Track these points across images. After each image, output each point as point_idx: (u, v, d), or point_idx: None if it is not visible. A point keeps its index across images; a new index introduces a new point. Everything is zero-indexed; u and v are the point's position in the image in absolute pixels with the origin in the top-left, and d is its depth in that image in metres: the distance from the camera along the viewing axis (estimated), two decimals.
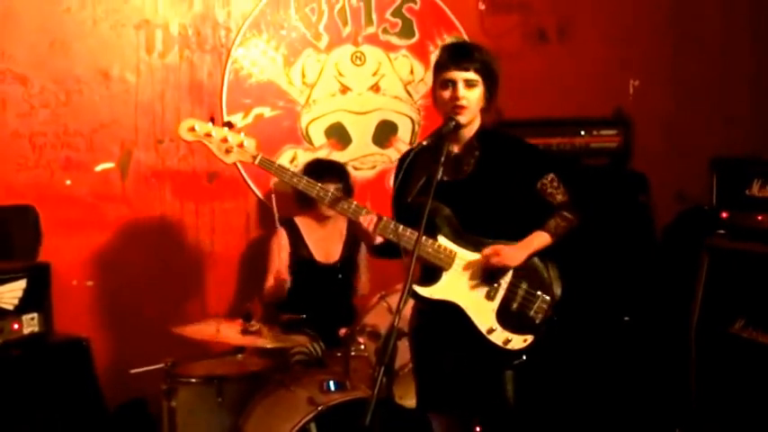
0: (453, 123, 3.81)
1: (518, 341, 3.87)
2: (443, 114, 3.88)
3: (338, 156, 5.94)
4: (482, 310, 3.87)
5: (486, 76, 3.87)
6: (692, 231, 5.73)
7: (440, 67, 3.92)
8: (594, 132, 5.97)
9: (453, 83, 3.83)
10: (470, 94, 3.83)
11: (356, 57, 6.06)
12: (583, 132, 5.95)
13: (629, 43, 6.76)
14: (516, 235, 3.88)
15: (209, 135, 3.87)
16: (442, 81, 3.88)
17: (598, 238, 5.30)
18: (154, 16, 5.58)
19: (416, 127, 6.18)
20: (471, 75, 3.83)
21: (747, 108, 6.94)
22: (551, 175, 3.93)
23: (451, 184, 3.86)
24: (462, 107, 3.82)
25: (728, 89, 6.93)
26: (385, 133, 6.15)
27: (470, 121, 3.90)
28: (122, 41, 5.51)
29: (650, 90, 6.71)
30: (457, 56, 3.92)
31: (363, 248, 5.41)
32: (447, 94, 3.85)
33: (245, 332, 4.49)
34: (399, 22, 6.16)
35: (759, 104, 6.92)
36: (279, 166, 4.08)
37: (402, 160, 4.06)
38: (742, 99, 6.95)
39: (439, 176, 3.66)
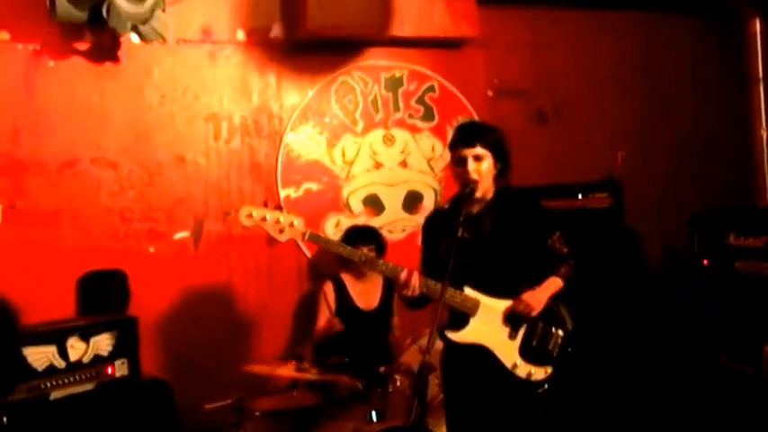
0: (469, 189, 3.90)
1: (540, 373, 3.95)
2: (461, 184, 3.98)
3: (373, 221, 6.03)
4: (506, 348, 3.95)
5: (493, 148, 3.95)
6: (678, 278, 5.80)
7: (452, 147, 4.02)
8: (589, 195, 6.06)
9: (464, 159, 3.92)
10: (480, 167, 3.91)
11: (387, 138, 6.21)
12: (579, 195, 6.05)
13: (615, 120, 6.90)
14: (528, 281, 3.95)
15: (264, 219, 3.96)
16: (454, 158, 3.98)
17: (599, 283, 5.40)
18: (220, 110, 5.76)
19: (438, 196, 6.27)
20: (478, 150, 3.91)
21: (719, 165, 7.05)
22: (558, 233, 4.03)
23: (472, 241, 3.91)
24: (474, 180, 3.90)
25: (702, 152, 7.07)
26: (413, 202, 6.25)
27: (485, 190, 3.98)
28: (195, 131, 5.68)
29: (636, 158, 6.79)
30: (464, 135, 4.01)
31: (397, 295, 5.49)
32: (460, 169, 3.94)
33: (298, 370, 4.59)
34: (422, 108, 6.31)
35: (727, 161, 7.03)
36: (325, 239, 4.25)
37: (427, 222, 4.20)
38: (714, 159, 7.07)
39: (459, 234, 3.75)
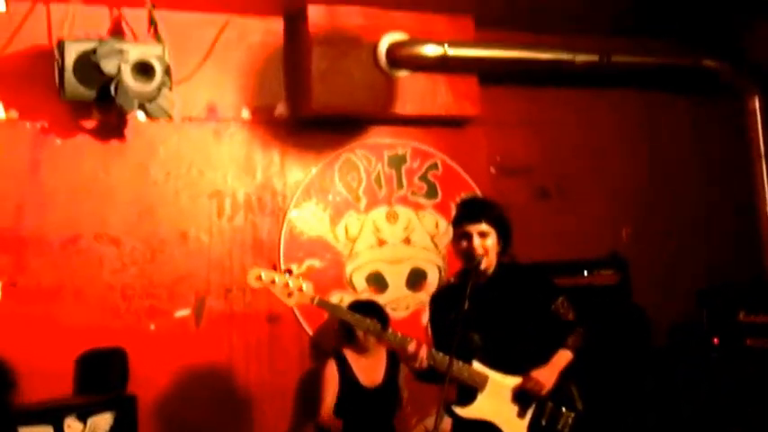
0: (476, 262, 3.89)
1: None
2: (464, 260, 3.97)
3: (377, 299, 5.91)
4: (515, 427, 3.89)
5: (497, 224, 3.96)
6: (685, 351, 5.74)
7: (456, 223, 4.03)
8: (595, 272, 6.04)
9: (468, 235, 3.93)
10: (485, 243, 3.92)
11: (390, 215, 6.19)
12: (585, 272, 6.03)
13: (619, 196, 6.89)
14: (536, 355, 3.91)
15: (273, 282, 3.95)
16: (458, 234, 3.99)
17: (607, 361, 5.35)
18: (224, 187, 5.77)
19: (443, 273, 6.22)
20: (483, 226, 3.92)
21: (724, 240, 7.00)
22: (562, 298, 4.01)
23: (479, 315, 3.87)
24: (480, 255, 3.89)
25: (707, 227, 7.05)
26: (417, 279, 6.20)
27: (490, 265, 3.98)
28: (198, 208, 5.68)
29: (641, 234, 6.80)
30: (469, 212, 4.03)
31: (403, 370, 5.42)
32: (464, 244, 3.94)
33: None
34: (425, 185, 6.31)
35: (732, 236, 7.00)
36: (333, 305, 4.22)
37: (435, 297, 4.18)
38: (719, 234, 7.04)
39: (466, 308, 3.72)
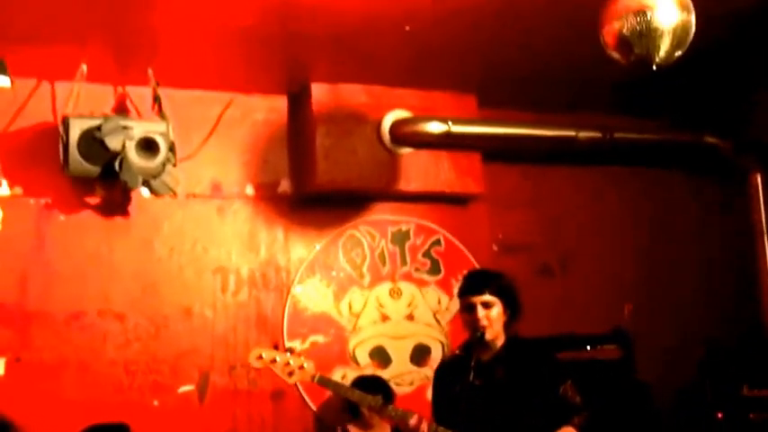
0: (479, 334, 3.88)
1: None
2: (470, 331, 3.96)
3: (380, 374, 5.89)
4: None
5: (502, 295, 3.97)
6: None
7: (460, 295, 4.04)
8: (598, 347, 5.98)
9: (472, 306, 3.93)
10: (489, 314, 3.91)
11: (394, 291, 6.18)
12: (588, 347, 5.98)
13: (621, 273, 6.87)
14: (541, 430, 3.84)
15: (274, 361, 3.99)
16: (463, 306, 4.00)
17: None
18: (228, 263, 5.78)
19: (446, 349, 6.16)
20: (487, 297, 3.93)
21: (727, 316, 6.93)
22: (569, 382, 3.95)
23: (484, 388, 3.85)
24: (483, 326, 3.89)
25: (709, 303, 6.99)
26: (420, 355, 6.15)
27: (495, 336, 3.96)
28: (202, 284, 5.68)
29: (644, 309, 6.65)
30: (472, 283, 4.05)
31: None
32: (468, 316, 3.95)
33: None
34: (428, 262, 6.31)
35: (735, 312, 6.94)
36: (335, 382, 4.21)
37: (439, 369, 4.15)
38: (721, 310, 6.96)
39: (471, 380, 3.73)
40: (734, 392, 5.45)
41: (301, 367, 3.97)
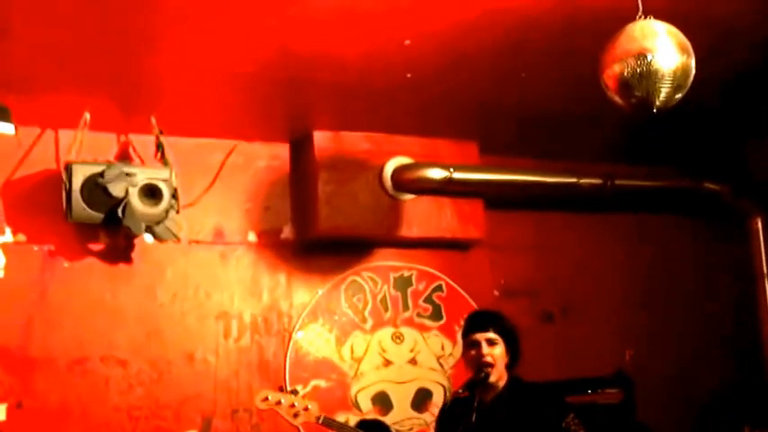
0: (484, 374, 3.89)
1: None
2: (474, 370, 3.96)
3: (381, 419, 5.82)
4: None
5: (505, 335, 4.01)
6: None
7: (465, 333, 4.07)
8: (599, 390, 5.98)
9: (477, 343, 3.96)
10: (493, 351, 3.94)
11: (396, 336, 6.17)
12: (589, 391, 5.96)
13: (622, 319, 6.89)
14: None
15: (279, 403, 4.09)
16: (467, 343, 4.02)
17: None
18: (230, 308, 5.77)
19: (448, 393, 6.14)
20: (491, 334, 3.97)
21: (729, 360, 6.96)
22: (572, 414, 3.94)
23: (485, 428, 3.84)
24: (488, 363, 3.91)
25: (711, 347, 7.01)
26: (422, 400, 6.13)
27: (499, 376, 3.97)
28: (205, 329, 5.67)
29: (645, 354, 6.75)
30: (478, 321, 4.11)
31: None
32: (473, 353, 3.97)
33: None
34: (430, 307, 6.31)
35: (737, 355, 6.94)
36: (339, 424, 4.22)
37: (442, 410, 4.15)
38: (723, 353, 7.00)
39: (474, 420, 3.72)
40: None
41: (306, 409, 4.05)
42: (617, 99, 3.60)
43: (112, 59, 4.53)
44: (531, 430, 3.90)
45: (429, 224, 6.12)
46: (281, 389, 4.23)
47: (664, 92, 3.39)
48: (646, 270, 7.12)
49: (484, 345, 3.95)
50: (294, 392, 4.15)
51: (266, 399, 4.09)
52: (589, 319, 6.84)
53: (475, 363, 3.97)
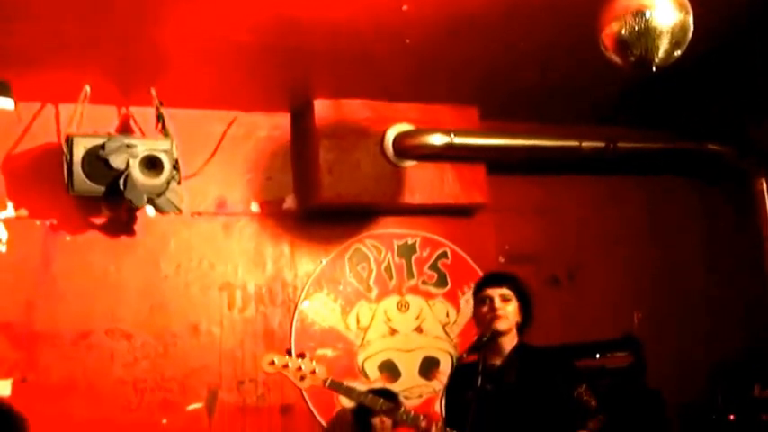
0: (485, 338, 3.84)
1: None
2: (482, 328, 3.92)
3: (390, 387, 5.79)
4: None
5: (519, 293, 3.98)
6: None
7: (478, 289, 4.03)
8: (608, 354, 5.94)
9: (490, 298, 3.92)
10: (506, 307, 3.91)
11: (401, 304, 6.14)
12: (598, 355, 5.93)
13: (629, 282, 6.83)
14: None
15: (286, 366, 4.00)
16: (480, 298, 3.97)
17: None
18: (234, 279, 5.75)
19: (455, 361, 6.10)
20: (505, 290, 3.93)
21: (734, 320, 6.92)
22: (584, 385, 3.91)
23: (495, 392, 3.81)
24: (499, 316, 3.87)
25: (717, 308, 6.96)
26: (429, 367, 6.11)
27: (508, 330, 3.92)
28: (209, 301, 5.65)
29: (652, 317, 6.68)
30: (492, 277, 4.09)
31: None
32: (485, 308, 3.93)
33: None
34: (435, 274, 6.28)
35: (743, 315, 6.92)
36: (346, 386, 4.17)
37: (451, 376, 4.10)
38: (729, 314, 6.94)
39: (480, 385, 3.68)
40: (745, 394, 5.39)
41: (313, 372, 3.99)
42: (616, 58, 3.55)
43: (111, 32, 4.49)
44: (540, 395, 3.87)
45: (431, 190, 6.08)
46: (289, 352, 4.16)
47: (662, 49, 3.34)
48: (651, 233, 7.06)
49: (497, 299, 3.92)
50: (301, 356, 4.09)
51: (273, 362, 4.04)
52: (596, 283, 6.79)
53: (485, 320, 3.93)
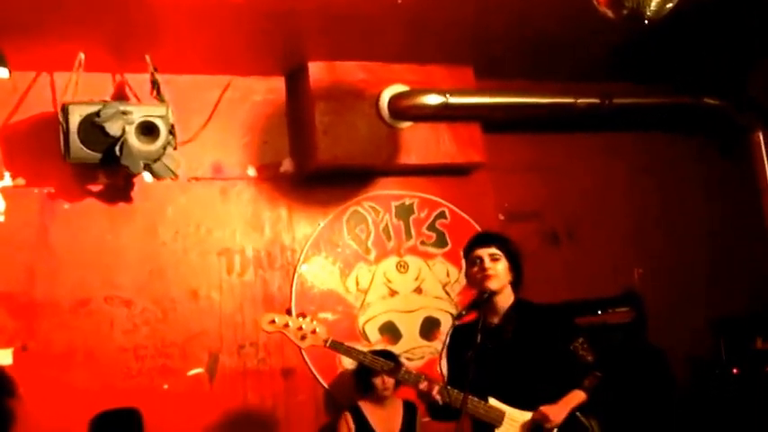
0: (486, 294, 3.86)
1: None
2: (477, 288, 3.95)
3: (391, 349, 5.78)
4: None
5: (507, 252, 3.98)
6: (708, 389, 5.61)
7: (468, 250, 4.05)
8: (609, 310, 5.94)
9: (480, 259, 3.94)
10: (496, 266, 3.91)
11: (400, 265, 6.12)
12: (599, 311, 5.92)
13: (628, 238, 6.82)
14: (552, 391, 3.83)
15: (286, 325, 3.99)
16: (470, 260, 4.00)
17: (627, 404, 5.22)
18: (232, 244, 5.74)
19: (454, 317, 6.13)
20: (494, 250, 3.95)
21: (735, 274, 6.89)
22: (581, 339, 3.94)
23: (494, 350, 3.84)
24: (489, 276, 3.88)
25: (718, 262, 6.93)
26: (430, 328, 6.10)
27: (501, 288, 3.94)
28: (208, 266, 5.64)
29: (653, 273, 6.70)
30: (480, 238, 4.12)
31: (419, 418, 5.34)
32: (475, 269, 3.95)
33: None
34: (434, 234, 6.25)
35: (744, 269, 6.90)
36: (347, 347, 4.16)
37: (451, 335, 4.05)
38: (730, 268, 6.92)
39: (480, 342, 3.69)
40: (747, 347, 5.39)
41: (314, 331, 3.98)
42: (608, 12, 3.50)
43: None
44: (538, 351, 3.89)
45: (428, 151, 6.04)
46: (289, 312, 4.14)
47: (654, 2, 3.28)
48: (650, 188, 7.02)
49: (486, 259, 3.93)
50: (302, 315, 4.07)
51: (273, 321, 4.02)
52: (595, 240, 6.76)
53: (478, 280, 3.94)
